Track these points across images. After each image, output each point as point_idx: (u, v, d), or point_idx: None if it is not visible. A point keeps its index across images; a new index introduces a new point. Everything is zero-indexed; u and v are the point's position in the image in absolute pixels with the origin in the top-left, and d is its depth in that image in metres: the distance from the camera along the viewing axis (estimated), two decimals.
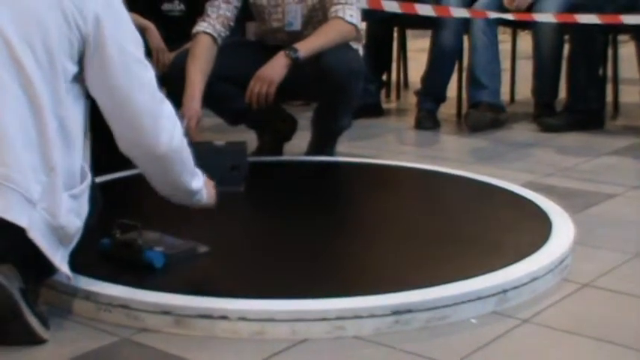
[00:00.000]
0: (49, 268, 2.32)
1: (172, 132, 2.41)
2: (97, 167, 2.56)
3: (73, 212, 2.30)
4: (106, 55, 2.32)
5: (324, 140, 3.93)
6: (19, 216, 2.18)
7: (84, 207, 2.36)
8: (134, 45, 2.38)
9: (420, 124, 4.78)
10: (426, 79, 4.90)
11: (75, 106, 2.34)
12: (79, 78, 2.36)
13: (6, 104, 2.21)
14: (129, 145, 2.39)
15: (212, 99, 3.64)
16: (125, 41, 2.35)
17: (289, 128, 4.06)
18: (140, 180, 2.49)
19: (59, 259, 2.28)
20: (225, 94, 3.70)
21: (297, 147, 4.02)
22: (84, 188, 2.34)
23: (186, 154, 2.47)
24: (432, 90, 4.86)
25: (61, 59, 2.28)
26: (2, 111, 2.20)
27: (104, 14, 2.31)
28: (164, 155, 2.40)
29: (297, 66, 3.52)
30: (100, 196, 2.56)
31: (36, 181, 2.21)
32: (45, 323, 2.26)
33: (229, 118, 3.94)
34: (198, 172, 2.56)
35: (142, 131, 2.37)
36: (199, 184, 2.54)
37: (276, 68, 3.52)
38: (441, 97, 4.88)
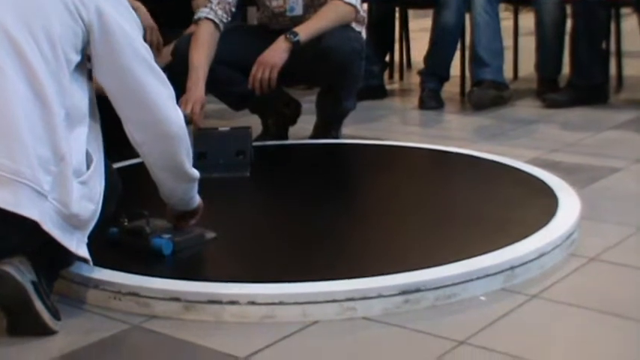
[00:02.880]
0: (63, 259, 2.34)
1: (178, 110, 2.44)
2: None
3: (84, 198, 2.31)
4: (114, 40, 2.34)
5: (329, 123, 3.94)
6: (30, 210, 2.19)
7: (95, 191, 2.37)
8: (136, 28, 2.40)
9: (423, 104, 4.78)
10: (429, 58, 4.89)
11: (80, 92, 2.35)
12: (82, 66, 2.37)
13: (13, 99, 2.21)
14: (141, 128, 2.39)
15: (215, 84, 3.64)
16: (128, 25, 2.37)
17: (293, 112, 4.06)
18: (146, 168, 2.50)
19: (75, 245, 2.30)
20: (229, 79, 3.71)
21: (302, 130, 4.03)
22: (91, 173, 2.35)
23: (188, 137, 2.48)
24: (435, 69, 4.86)
25: (65, 50, 2.29)
26: (9, 106, 2.21)
27: (105, 1, 2.33)
28: (175, 134, 2.41)
29: (298, 49, 3.53)
30: (118, 181, 2.57)
31: (46, 173, 2.22)
32: (56, 315, 2.27)
33: (233, 103, 3.95)
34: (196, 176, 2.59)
35: (155, 111, 2.37)
36: (197, 174, 2.54)
37: (277, 53, 3.53)
38: (445, 76, 4.87)
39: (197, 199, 2.62)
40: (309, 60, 3.57)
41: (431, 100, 4.78)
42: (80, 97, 2.35)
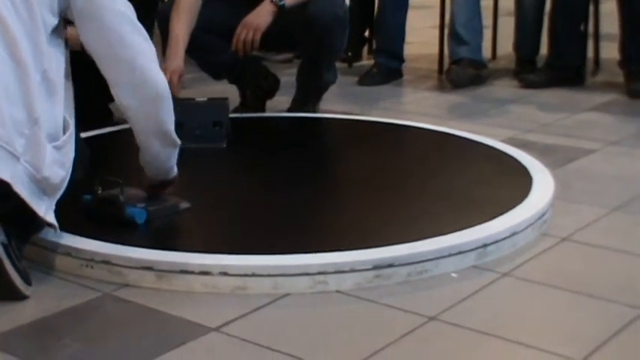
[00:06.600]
0: (34, 224, 2.33)
1: (162, 71, 2.43)
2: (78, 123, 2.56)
3: (56, 163, 2.30)
4: (95, 3, 2.32)
5: (308, 96, 3.93)
6: (1, 171, 2.18)
7: (67, 157, 2.37)
8: None
9: (360, 80, 4.75)
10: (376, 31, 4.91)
11: (56, 56, 2.34)
12: (59, 30, 2.36)
13: None
14: (129, 90, 2.38)
15: (197, 51, 3.64)
16: None
17: (272, 86, 4.05)
18: (122, 136, 2.49)
19: (44, 210, 2.29)
20: (211, 46, 3.71)
21: (281, 104, 4.02)
22: (67, 139, 2.35)
23: (171, 99, 2.47)
24: (382, 43, 4.86)
25: (41, 11, 2.27)
26: None
27: None
28: (162, 94, 2.40)
29: (282, 14, 3.54)
30: (85, 149, 2.56)
31: (19, 135, 2.21)
32: (27, 279, 2.26)
33: (213, 71, 3.94)
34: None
35: (142, 71, 2.37)
36: (179, 141, 2.54)
37: (262, 15, 3.54)
38: (393, 52, 4.84)
39: (175, 170, 2.62)
40: (293, 25, 3.58)
41: (366, 77, 4.75)
42: (57, 61, 2.34)
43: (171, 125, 2.47)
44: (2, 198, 2.20)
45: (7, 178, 2.18)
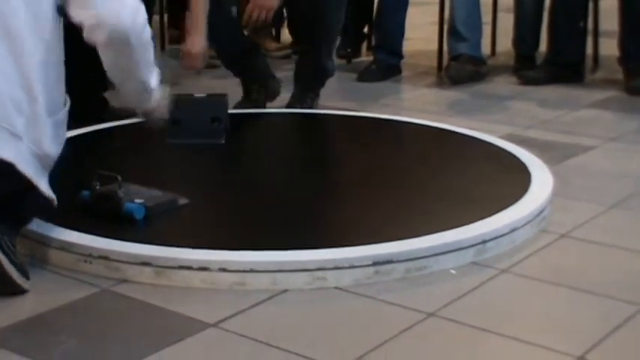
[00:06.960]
0: (24, 215, 2.33)
1: (136, 11, 2.38)
2: (74, 119, 2.55)
3: (55, 139, 2.33)
4: None
5: (306, 88, 3.93)
6: (5, 152, 2.19)
7: (64, 131, 2.39)
8: None
9: (359, 76, 4.75)
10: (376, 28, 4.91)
11: (54, 32, 2.32)
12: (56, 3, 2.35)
13: None
14: (91, 26, 2.33)
15: (218, 35, 3.69)
16: None
17: (275, 89, 4.03)
18: (120, 132, 2.49)
19: (45, 186, 2.30)
20: (234, 33, 3.78)
21: (280, 100, 4.01)
22: (65, 115, 2.36)
23: (146, 42, 2.44)
24: (381, 40, 4.86)
25: None
26: None
27: None
28: (125, 35, 2.35)
29: None
30: None
31: (19, 114, 2.22)
32: (25, 273, 2.26)
33: (227, 59, 3.96)
34: (157, 70, 2.58)
35: (103, 5, 2.34)
36: (154, 83, 2.53)
37: None
38: (393, 49, 4.82)
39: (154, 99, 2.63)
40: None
41: (365, 73, 4.74)
42: (54, 36, 2.32)
43: (139, 66, 2.45)
44: (3, 176, 2.20)
45: (10, 158, 2.19)
